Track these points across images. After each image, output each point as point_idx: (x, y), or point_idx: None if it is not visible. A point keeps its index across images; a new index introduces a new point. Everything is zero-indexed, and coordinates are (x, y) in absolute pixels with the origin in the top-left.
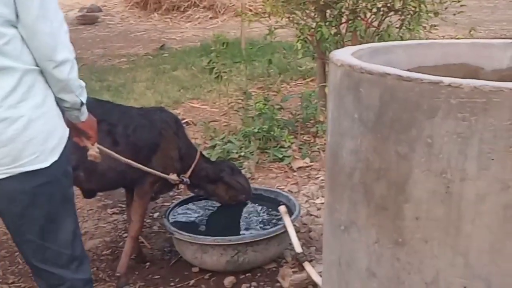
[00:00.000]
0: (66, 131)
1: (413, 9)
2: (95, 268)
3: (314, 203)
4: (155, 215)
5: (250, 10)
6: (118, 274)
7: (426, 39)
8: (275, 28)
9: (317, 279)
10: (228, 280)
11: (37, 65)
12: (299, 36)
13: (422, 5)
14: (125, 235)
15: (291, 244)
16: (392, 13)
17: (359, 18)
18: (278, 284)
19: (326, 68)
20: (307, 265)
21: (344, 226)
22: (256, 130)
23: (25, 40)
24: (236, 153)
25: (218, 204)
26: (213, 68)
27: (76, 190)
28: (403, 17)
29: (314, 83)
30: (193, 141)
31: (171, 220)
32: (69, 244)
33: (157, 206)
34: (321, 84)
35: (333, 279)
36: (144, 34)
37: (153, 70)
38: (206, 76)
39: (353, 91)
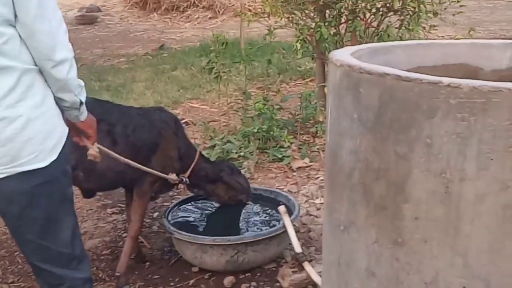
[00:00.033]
0: (65, 131)
1: (412, 9)
2: (94, 268)
3: (313, 203)
4: (155, 215)
5: (250, 10)
6: (117, 274)
7: (426, 39)
8: (275, 28)
9: (316, 279)
10: (228, 280)
11: (36, 65)
12: (299, 36)
13: (421, 6)
14: (125, 234)
15: (290, 244)
16: (391, 13)
17: (358, 18)
18: (277, 284)
19: (326, 68)
20: (306, 265)
21: (343, 226)
22: (255, 130)
23: (24, 39)
24: (236, 153)
25: (218, 204)
26: (213, 68)
27: (76, 190)
28: (402, 17)
29: (314, 83)
30: (192, 141)
31: (170, 220)
32: (69, 243)
33: (157, 206)
34: (320, 84)
35: (333, 279)
36: (144, 34)
37: (153, 70)
38: (205, 76)
39: (353, 91)
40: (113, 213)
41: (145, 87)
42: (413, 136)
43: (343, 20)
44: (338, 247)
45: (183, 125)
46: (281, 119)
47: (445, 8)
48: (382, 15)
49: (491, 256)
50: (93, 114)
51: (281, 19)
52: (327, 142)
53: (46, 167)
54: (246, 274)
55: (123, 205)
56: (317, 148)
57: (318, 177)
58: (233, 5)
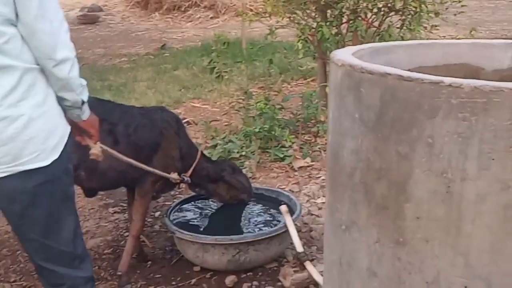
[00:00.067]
0: (67, 129)
1: (414, 9)
2: (96, 267)
3: (315, 202)
4: (156, 214)
5: (251, 10)
6: (119, 273)
7: (427, 39)
8: (276, 28)
9: (318, 278)
10: (230, 279)
11: (37, 64)
12: (300, 36)
13: (423, 5)
14: (127, 234)
15: (292, 243)
16: (393, 13)
17: (360, 18)
18: (279, 284)
19: (327, 68)
20: (308, 265)
21: (345, 225)
22: (257, 130)
23: (25, 39)
24: (237, 152)
25: (219, 204)
26: (214, 67)
27: (77, 189)
28: (404, 17)
29: (315, 83)
30: (194, 140)
31: (172, 219)
32: (71, 242)
33: (158, 205)
34: (322, 84)
35: (334, 279)
36: (145, 33)
37: (154, 70)
38: (207, 75)
39: (354, 91)
40: (115, 212)
41: (146, 87)
42: (415, 136)
43: (344, 20)
44: (339, 247)
45: (185, 124)
46: (283, 118)
47: (446, 8)
48: (383, 15)
49: (492, 256)
50: (95, 113)
51: (283, 19)
52: (328, 141)
53: (48, 166)
54: (248, 274)
55: (125, 204)
56: (319, 148)
57: (319, 177)
58: (234, 5)
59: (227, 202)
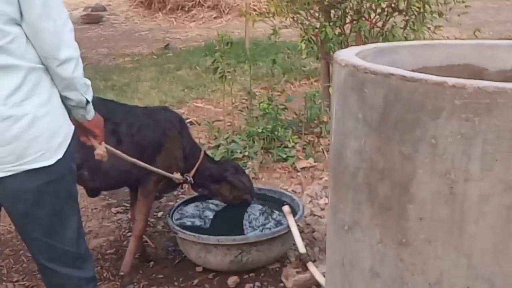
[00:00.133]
0: (71, 129)
1: (417, 9)
2: (99, 267)
3: (317, 203)
4: (159, 214)
5: (255, 10)
6: (122, 273)
7: (431, 39)
8: (279, 28)
9: (320, 279)
10: (232, 280)
11: (42, 63)
12: (303, 36)
13: (426, 6)
14: (129, 234)
15: (294, 244)
16: (396, 13)
17: (363, 19)
18: (281, 284)
19: (330, 68)
20: (310, 265)
21: (347, 226)
22: (260, 130)
23: (29, 38)
24: (240, 153)
25: (222, 204)
26: (217, 67)
27: (80, 189)
28: (407, 17)
29: (318, 83)
30: (197, 140)
31: (175, 220)
32: (74, 242)
33: (161, 205)
34: (325, 84)
35: (337, 280)
36: (149, 33)
37: (158, 70)
38: (210, 75)
39: (357, 91)
40: (117, 212)
41: (150, 87)
42: (418, 137)
43: (348, 20)
44: (342, 247)
45: (188, 124)
46: (286, 119)
47: (450, 9)
48: (387, 15)
49: (496, 257)
50: (98, 113)
51: (286, 19)
52: (331, 142)
53: (52, 165)
54: (250, 274)
55: (127, 205)
56: (322, 148)
57: (322, 177)
58: (238, 5)
59: (230, 202)
